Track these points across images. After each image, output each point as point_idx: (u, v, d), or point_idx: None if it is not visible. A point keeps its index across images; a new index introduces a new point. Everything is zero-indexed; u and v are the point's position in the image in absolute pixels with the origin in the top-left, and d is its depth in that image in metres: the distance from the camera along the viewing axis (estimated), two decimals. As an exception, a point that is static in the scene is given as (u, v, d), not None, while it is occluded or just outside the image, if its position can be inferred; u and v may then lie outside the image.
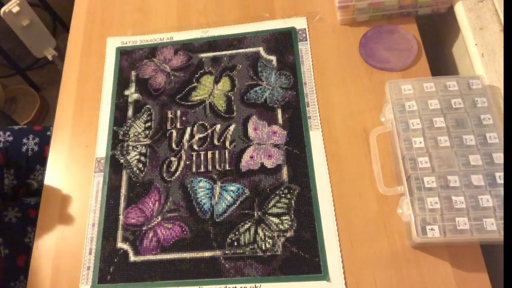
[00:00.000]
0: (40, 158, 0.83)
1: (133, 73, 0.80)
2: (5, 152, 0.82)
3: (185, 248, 0.64)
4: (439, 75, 0.64)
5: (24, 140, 0.84)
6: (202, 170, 0.69)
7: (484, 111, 0.59)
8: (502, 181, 0.55)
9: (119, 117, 0.76)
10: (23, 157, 0.83)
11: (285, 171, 0.67)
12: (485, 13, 0.68)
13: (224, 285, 0.61)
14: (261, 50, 0.78)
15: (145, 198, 0.69)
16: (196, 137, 0.72)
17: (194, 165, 0.70)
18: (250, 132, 0.71)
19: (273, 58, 0.77)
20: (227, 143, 0.71)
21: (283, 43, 0.77)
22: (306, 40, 0.77)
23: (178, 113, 0.74)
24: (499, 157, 0.56)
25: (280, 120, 0.71)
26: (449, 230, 0.54)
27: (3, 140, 0.82)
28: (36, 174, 0.84)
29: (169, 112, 0.75)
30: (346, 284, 0.59)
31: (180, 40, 0.81)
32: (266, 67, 0.76)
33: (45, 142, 0.76)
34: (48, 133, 0.77)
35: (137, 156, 0.72)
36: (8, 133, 0.83)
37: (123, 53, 0.82)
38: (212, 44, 0.80)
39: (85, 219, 0.69)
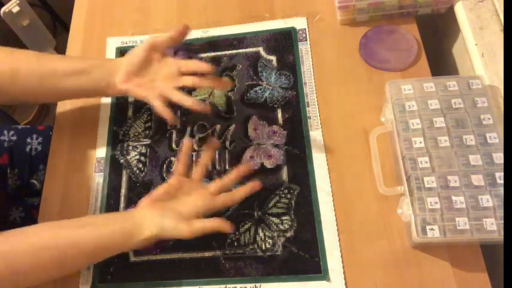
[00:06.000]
0: (43, 158, 0.82)
1: (133, 73, 0.80)
2: (10, 151, 0.81)
3: (185, 248, 0.64)
4: (439, 75, 0.64)
5: (28, 140, 0.83)
6: (202, 170, 0.69)
7: (484, 111, 0.59)
8: (502, 181, 0.55)
9: (119, 117, 0.76)
10: (26, 157, 0.82)
11: (285, 171, 0.67)
12: (485, 13, 0.68)
13: (224, 285, 0.61)
14: (261, 50, 0.78)
15: (146, 198, 0.69)
16: (196, 137, 0.72)
17: (194, 165, 0.70)
18: (250, 132, 0.71)
19: (273, 58, 0.76)
20: (227, 143, 0.71)
21: (283, 43, 0.77)
22: (306, 40, 0.77)
23: (178, 113, 0.74)
24: (499, 157, 0.56)
25: (280, 120, 0.71)
26: (449, 230, 0.54)
27: (7, 139, 0.81)
28: (39, 174, 0.83)
29: (169, 112, 0.75)
30: (346, 284, 0.59)
31: (180, 40, 0.81)
32: (266, 67, 0.76)
33: (48, 142, 0.76)
34: (51, 133, 0.76)
35: (137, 156, 0.72)
36: (11, 132, 0.82)
37: (123, 53, 0.82)
38: (212, 44, 0.80)
39: (85, 219, 0.69)
